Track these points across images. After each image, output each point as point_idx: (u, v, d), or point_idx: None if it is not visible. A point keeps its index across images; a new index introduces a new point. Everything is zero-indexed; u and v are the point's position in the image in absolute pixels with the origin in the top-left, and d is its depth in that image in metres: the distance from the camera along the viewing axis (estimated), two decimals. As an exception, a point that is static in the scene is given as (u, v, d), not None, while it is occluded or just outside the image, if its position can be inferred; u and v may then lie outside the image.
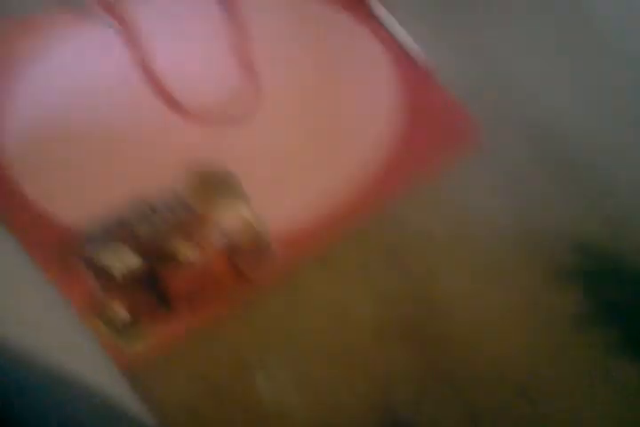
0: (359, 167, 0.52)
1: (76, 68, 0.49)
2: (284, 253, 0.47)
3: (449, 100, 0.55)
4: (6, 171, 0.44)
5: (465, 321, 0.48)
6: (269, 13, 0.55)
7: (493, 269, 0.51)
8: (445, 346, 0.47)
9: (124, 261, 0.43)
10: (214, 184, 0.47)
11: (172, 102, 0.49)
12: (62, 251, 0.42)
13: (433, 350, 0.47)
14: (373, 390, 0.46)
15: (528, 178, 0.54)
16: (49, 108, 0.46)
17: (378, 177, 0.52)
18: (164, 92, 0.49)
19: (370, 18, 0.56)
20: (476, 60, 0.56)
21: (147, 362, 0.42)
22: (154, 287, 0.43)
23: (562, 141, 0.55)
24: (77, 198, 0.45)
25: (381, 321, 0.48)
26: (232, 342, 0.44)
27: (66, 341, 0.38)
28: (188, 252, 0.44)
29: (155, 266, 0.43)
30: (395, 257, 0.50)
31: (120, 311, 0.42)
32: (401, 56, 0.55)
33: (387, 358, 0.47)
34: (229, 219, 0.46)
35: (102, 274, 0.42)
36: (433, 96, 0.55)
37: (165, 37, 0.52)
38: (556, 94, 0.57)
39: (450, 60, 0.56)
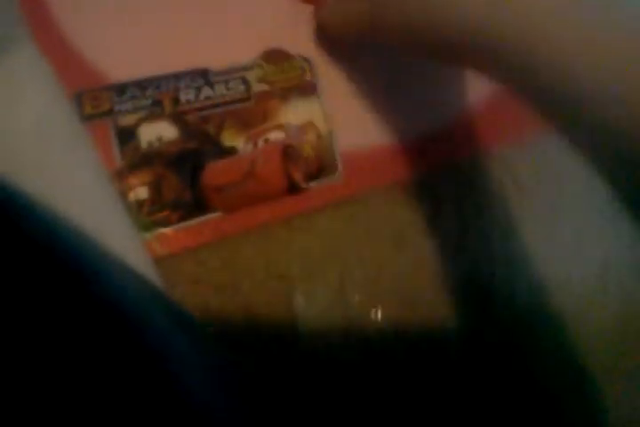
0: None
1: None
2: (348, 176, 0.41)
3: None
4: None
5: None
6: None
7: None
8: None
9: (155, 128, 0.36)
10: (291, 74, 0.40)
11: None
12: (90, 101, 0.35)
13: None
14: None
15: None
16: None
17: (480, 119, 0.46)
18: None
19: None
20: None
21: (167, 258, 0.35)
22: (186, 172, 0.37)
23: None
24: (124, 46, 0.36)
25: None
26: (269, 255, 0.38)
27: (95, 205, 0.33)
28: (236, 141, 0.38)
29: (192, 147, 0.37)
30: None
31: (138, 189, 0.35)
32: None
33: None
34: (297, 118, 0.40)
35: (127, 139, 0.35)
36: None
37: None
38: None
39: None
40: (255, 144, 0.39)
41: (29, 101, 0.29)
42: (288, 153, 0.40)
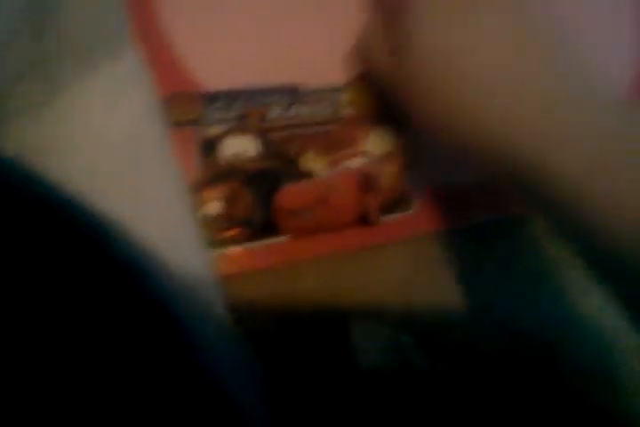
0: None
1: None
2: (423, 213, 0.39)
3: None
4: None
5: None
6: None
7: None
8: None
9: (238, 142, 0.36)
10: (383, 100, 0.38)
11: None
12: (180, 107, 0.35)
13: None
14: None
15: None
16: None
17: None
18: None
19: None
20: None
21: (230, 277, 0.34)
22: (262, 191, 0.36)
23: None
24: (222, 57, 0.36)
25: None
26: (331, 285, 0.37)
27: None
28: (315, 165, 0.37)
29: (271, 166, 0.36)
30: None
31: (212, 203, 0.35)
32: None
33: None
34: (382, 146, 0.39)
35: (209, 150, 0.35)
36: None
37: None
38: None
39: None
40: (334, 170, 0.38)
41: (125, 108, 0.29)
42: (365, 182, 0.38)
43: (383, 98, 0.39)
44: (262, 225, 0.36)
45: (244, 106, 0.36)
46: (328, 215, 0.37)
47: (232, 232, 0.35)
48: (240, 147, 0.36)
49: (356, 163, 0.39)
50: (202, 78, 0.36)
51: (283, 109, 0.37)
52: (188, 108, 0.35)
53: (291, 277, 0.37)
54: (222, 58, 0.36)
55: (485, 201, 0.41)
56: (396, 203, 0.39)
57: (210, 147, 0.35)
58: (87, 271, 0.22)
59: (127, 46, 0.29)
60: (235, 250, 0.35)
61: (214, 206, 0.35)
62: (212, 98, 0.35)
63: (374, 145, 0.39)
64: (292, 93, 0.37)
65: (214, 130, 0.35)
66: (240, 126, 0.36)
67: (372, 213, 0.38)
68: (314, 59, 0.38)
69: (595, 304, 0.42)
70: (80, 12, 0.28)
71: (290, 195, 0.37)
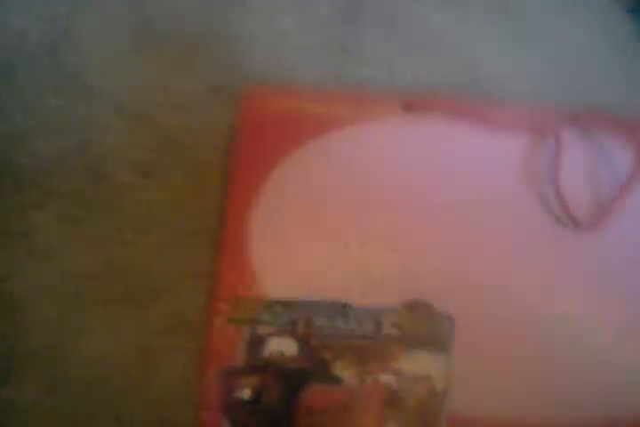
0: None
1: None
2: None
3: None
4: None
5: None
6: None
7: None
8: None
9: (282, 343, 0.42)
10: (428, 328, 0.43)
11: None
12: (241, 307, 0.43)
13: None
14: None
15: None
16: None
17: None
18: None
19: None
20: None
21: None
22: (289, 387, 0.41)
23: None
24: (288, 272, 0.45)
25: None
26: None
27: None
28: (346, 373, 0.41)
29: (305, 367, 0.42)
30: None
31: (245, 390, 0.41)
32: None
33: None
34: (415, 368, 0.42)
35: (256, 344, 0.42)
36: None
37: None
38: None
39: None
40: (362, 380, 0.42)
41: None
42: (391, 400, 0.42)
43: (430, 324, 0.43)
44: (282, 419, 0.41)
45: (295, 314, 0.43)
46: (348, 422, 0.41)
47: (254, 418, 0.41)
48: (282, 346, 0.43)
49: (386, 378, 0.42)
50: (267, 288, 0.44)
51: (329, 320, 0.43)
52: (248, 310, 0.43)
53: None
54: (288, 274, 0.45)
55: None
56: (421, 425, 0.42)
57: (257, 342, 0.43)
58: None
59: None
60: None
61: (246, 392, 0.42)
62: (270, 305, 0.44)
63: (410, 365, 0.43)
64: (341, 308, 0.44)
65: (264, 329, 0.43)
66: (287, 330, 0.43)
67: (392, 430, 0.41)
68: (371, 281, 0.44)
69: None
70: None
71: (315, 395, 0.42)
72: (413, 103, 0.48)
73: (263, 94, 0.49)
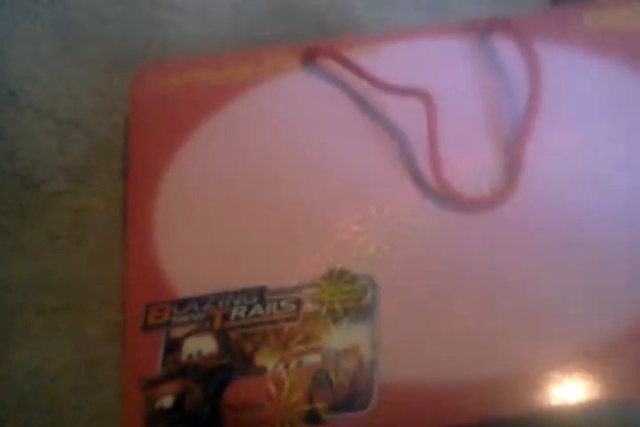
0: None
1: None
2: (379, 412, 0.36)
3: None
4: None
5: None
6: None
7: None
8: None
9: (199, 342, 0.39)
10: (350, 296, 0.40)
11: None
12: (154, 312, 0.40)
13: None
14: None
15: None
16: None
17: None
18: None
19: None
20: None
21: None
22: (212, 387, 0.38)
23: None
24: (196, 265, 0.42)
25: None
26: None
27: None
28: (269, 361, 0.38)
29: (225, 363, 0.39)
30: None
31: (165, 398, 0.38)
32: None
33: None
34: (341, 342, 0.38)
35: (172, 350, 0.39)
36: None
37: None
38: None
39: None
40: (286, 366, 0.38)
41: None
42: (318, 379, 0.38)
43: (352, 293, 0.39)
44: (208, 421, 0.38)
45: (211, 308, 0.41)
46: (275, 412, 0.37)
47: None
48: (200, 346, 0.40)
49: (310, 358, 0.38)
50: (177, 286, 0.42)
51: (246, 309, 0.40)
52: (161, 312, 0.41)
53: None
54: (197, 267, 0.42)
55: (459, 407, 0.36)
56: (350, 401, 0.37)
57: (174, 347, 0.40)
58: None
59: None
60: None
61: (167, 400, 0.39)
62: (182, 303, 0.41)
63: (335, 340, 0.39)
64: (258, 293, 0.41)
65: (179, 331, 0.41)
66: (202, 327, 0.40)
67: (320, 412, 0.37)
68: (283, 261, 0.42)
69: None
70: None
71: (237, 391, 0.38)
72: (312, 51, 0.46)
73: (156, 71, 0.48)
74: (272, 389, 0.38)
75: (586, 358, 0.36)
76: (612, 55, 0.44)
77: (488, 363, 0.37)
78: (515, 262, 0.40)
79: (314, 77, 0.46)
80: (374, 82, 0.44)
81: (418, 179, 0.42)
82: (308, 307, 0.40)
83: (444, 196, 0.41)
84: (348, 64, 0.45)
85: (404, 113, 0.44)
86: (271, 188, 0.44)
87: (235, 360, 0.39)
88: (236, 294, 0.41)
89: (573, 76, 0.44)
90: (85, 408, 0.40)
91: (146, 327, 0.41)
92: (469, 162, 0.42)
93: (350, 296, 0.40)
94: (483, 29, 0.46)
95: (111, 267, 0.44)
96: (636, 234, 0.40)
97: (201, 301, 0.41)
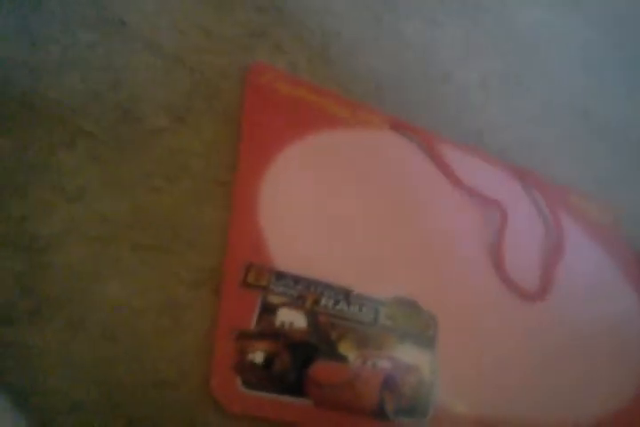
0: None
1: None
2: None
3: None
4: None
5: None
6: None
7: None
8: None
9: (292, 314, 0.42)
10: (416, 323, 0.46)
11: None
12: (253, 274, 0.42)
13: None
14: None
15: None
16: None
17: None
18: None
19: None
20: None
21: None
22: (299, 358, 0.40)
23: None
24: (300, 248, 0.46)
25: None
26: None
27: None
28: (350, 353, 0.42)
29: (313, 341, 0.42)
30: None
31: (257, 353, 0.39)
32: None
33: None
34: (408, 357, 0.44)
35: (267, 312, 0.41)
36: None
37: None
38: None
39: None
40: (364, 362, 0.43)
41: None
42: (388, 382, 0.42)
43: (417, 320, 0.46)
44: (293, 385, 0.40)
45: (304, 289, 0.44)
46: (350, 398, 0.41)
47: (266, 381, 0.39)
48: (292, 318, 0.42)
49: (384, 363, 0.43)
50: (279, 260, 0.44)
51: (334, 302, 0.44)
52: (261, 276, 0.43)
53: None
54: (300, 250, 0.46)
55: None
56: (412, 410, 0.43)
57: (269, 310, 0.42)
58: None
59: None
60: (260, 396, 0.38)
61: (259, 356, 0.39)
62: (281, 275, 0.43)
63: (403, 354, 0.44)
64: (345, 293, 0.45)
65: (276, 299, 0.42)
66: (295, 302, 0.43)
67: (388, 410, 0.41)
68: (372, 271, 0.47)
69: None
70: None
71: (322, 369, 0.41)
72: (400, 124, 0.56)
73: (271, 72, 0.52)
74: (351, 377, 0.42)
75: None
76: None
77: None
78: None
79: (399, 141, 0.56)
80: (454, 179, 0.56)
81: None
82: (383, 320, 0.45)
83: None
84: (436, 155, 0.56)
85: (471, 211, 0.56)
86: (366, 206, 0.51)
87: (321, 342, 0.42)
88: (326, 286, 0.45)
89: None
90: (167, 349, 0.37)
91: (245, 284, 0.42)
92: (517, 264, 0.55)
93: (417, 324, 0.46)
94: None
95: (201, 211, 0.43)
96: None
97: (297, 279, 0.44)
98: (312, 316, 0.43)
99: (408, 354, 0.45)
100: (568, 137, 0.66)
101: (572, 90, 0.69)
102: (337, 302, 0.44)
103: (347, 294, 0.45)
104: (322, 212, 0.48)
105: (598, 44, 0.75)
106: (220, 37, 0.50)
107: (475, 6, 0.68)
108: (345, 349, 0.43)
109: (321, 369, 0.41)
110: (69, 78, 0.43)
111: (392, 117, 0.57)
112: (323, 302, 0.44)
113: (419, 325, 0.46)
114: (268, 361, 0.40)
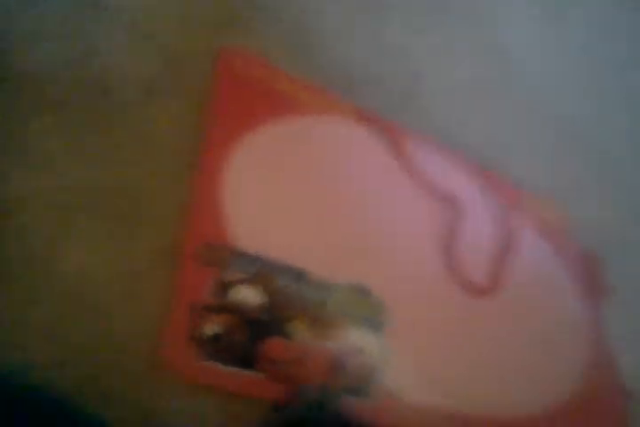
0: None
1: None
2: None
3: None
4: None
5: None
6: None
7: None
8: None
9: (248, 291, 0.43)
10: (366, 309, 0.48)
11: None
12: (212, 251, 0.43)
13: None
14: None
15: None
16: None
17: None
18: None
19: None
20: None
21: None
22: (253, 333, 0.42)
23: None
24: (254, 221, 0.47)
25: None
26: None
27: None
28: (301, 332, 0.44)
29: (266, 319, 0.43)
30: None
31: (215, 325, 0.41)
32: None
33: None
34: (356, 341, 0.46)
35: (223, 288, 0.42)
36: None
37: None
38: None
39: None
40: (313, 341, 0.44)
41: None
42: (334, 364, 0.44)
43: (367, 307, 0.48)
44: (247, 358, 0.41)
45: (260, 269, 0.45)
46: (300, 374, 0.43)
47: (223, 350, 0.40)
48: (247, 295, 0.43)
49: (331, 345, 0.45)
50: (239, 239, 0.45)
51: (289, 282, 0.45)
52: (220, 253, 0.44)
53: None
54: (260, 229, 0.47)
55: None
56: (357, 389, 0.44)
57: (225, 286, 0.43)
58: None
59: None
60: (213, 366, 0.40)
61: (213, 328, 0.41)
62: (239, 253, 0.45)
63: (352, 337, 0.46)
64: (299, 274, 0.46)
65: (233, 276, 0.43)
66: (251, 281, 0.44)
67: (337, 388, 0.43)
68: (327, 257, 0.49)
69: None
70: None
71: (274, 345, 0.42)
72: (367, 117, 0.57)
73: (243, 57, 0.53)
74: (301, 355, 0.43)
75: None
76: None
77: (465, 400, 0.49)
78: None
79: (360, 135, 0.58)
80: (413, 172, 0.57)
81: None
82: (335, 303, 0.47)
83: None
84: (399, 149, 0.58)
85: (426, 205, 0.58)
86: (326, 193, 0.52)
87: (274, 319, 0.44)
88: (283, 267, 0.46)
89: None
90: (123, 316, 0.38)
91: (203, 260, 0.43)
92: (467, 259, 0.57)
93: (367, 310, 0.48)
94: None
95: (165, 187, 0.44)
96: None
97: (254, 259, 0.45)
98: (267, 294, 0.44)
99: (356, 337, 0.46)
100: (535, 141, 0.68)
101: (547, 96, 0.71)
102: (292, 283, 0.46)
103: (302, 276, 0.46)
104: (281, 196, 0.49)
105: (576, 51, 0.77)
106: (194, 19, 0.51)
107: (457, 15, 0.70)
108: (296, 328, 0.44)
109: (273, 345, 0.42)
110: (41, 48, 0.44)
111: (359, 109, 0.58)
112: (278, 282, 0.45)
113: (368, 310, 0.48)
114: (223, 334, 0.41)
